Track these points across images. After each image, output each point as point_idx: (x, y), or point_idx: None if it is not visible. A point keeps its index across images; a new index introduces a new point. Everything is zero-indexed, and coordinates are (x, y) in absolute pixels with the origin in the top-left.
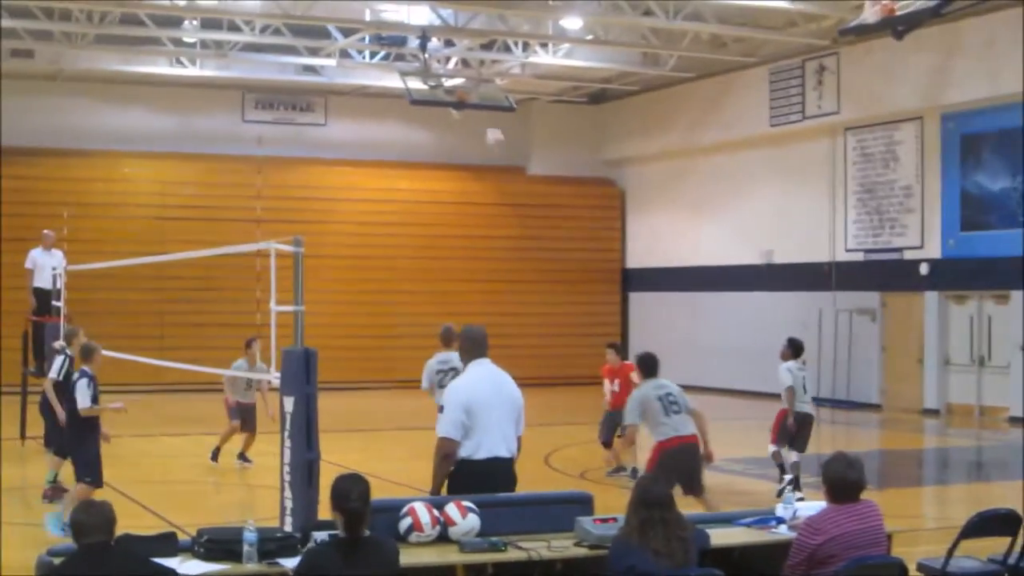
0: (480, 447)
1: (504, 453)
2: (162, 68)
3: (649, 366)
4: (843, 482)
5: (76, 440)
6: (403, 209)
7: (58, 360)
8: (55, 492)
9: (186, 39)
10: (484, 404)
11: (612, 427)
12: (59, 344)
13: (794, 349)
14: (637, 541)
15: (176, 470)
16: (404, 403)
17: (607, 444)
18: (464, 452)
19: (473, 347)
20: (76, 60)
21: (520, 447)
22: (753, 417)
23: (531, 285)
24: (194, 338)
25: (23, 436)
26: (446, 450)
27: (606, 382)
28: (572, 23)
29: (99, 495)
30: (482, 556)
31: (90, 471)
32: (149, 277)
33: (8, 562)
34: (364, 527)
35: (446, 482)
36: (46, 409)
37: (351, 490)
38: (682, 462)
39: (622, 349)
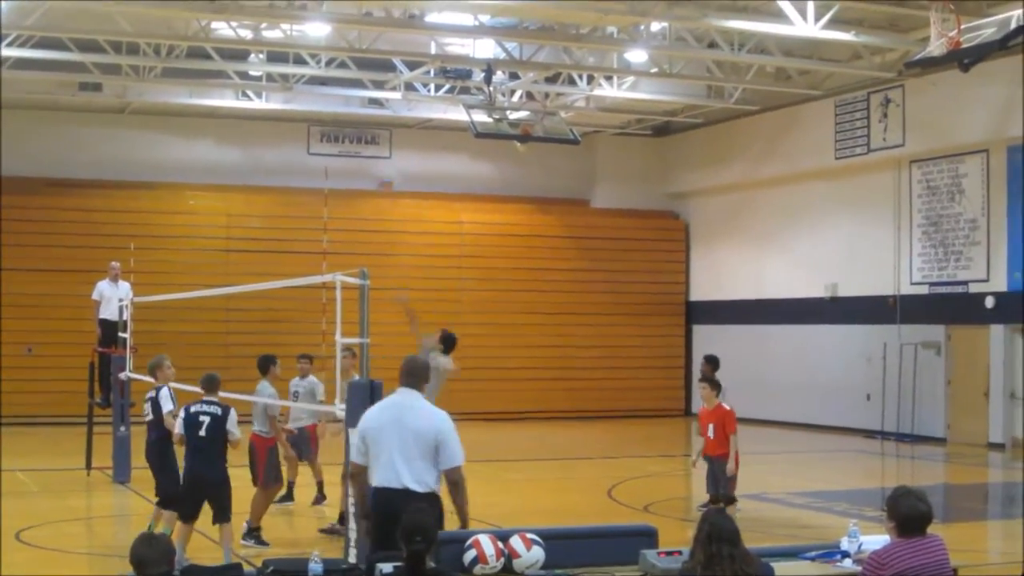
0: (374, 475)
1: (395, 484)
2: (228, 101)
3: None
4: (916, 515)
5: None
6: (468, 241)
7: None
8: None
9: (252, 72)
10: (377, 433)
11: (714, 478)
12: (124, 375)
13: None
14: (702, 575)
15: (239, 501)
16: (465, 435)
17: (715, 499)
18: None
19: (402, 376)
20: (143, 93)
21: (457, 480)
22: (818, 451)
23: (595, 318)
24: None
25: (88, 467)
26: (351, 471)
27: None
28: (637, 56)
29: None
30: None
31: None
32: (215, 309)
33: None
34: (427, 563)
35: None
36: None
37: (415, 529)
38: None
39: (717, 384)
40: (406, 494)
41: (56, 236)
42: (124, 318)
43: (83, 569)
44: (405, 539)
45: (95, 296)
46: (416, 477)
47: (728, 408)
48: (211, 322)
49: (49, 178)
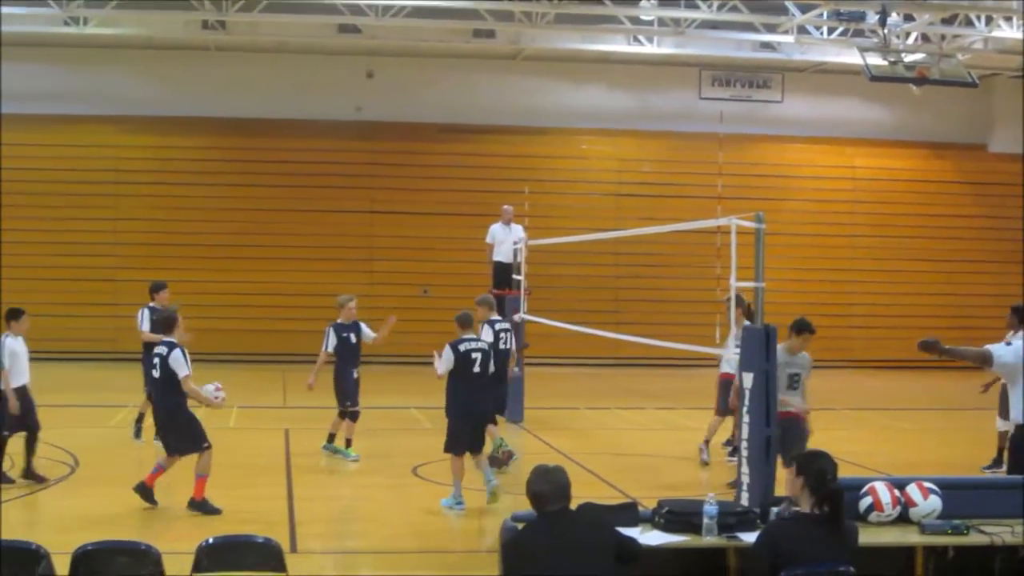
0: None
1: None
2: (620, 46)
3: None
4: None
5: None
6: (860, 187)
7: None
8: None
9: (644, 17)
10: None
11: None
12: (519, 317)
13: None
14: None
15: (631, 443)
16: (858, 383)
17: None
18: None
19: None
20: (535, 39)
21: None
22: None
23: (991, 266)
24: (650, 313)
25: None
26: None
27: None
28: None
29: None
30: (943, 539)
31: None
32: (605, 253)
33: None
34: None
35: None
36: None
37: (829, 469)
38: None
39: None
40: None
41: (450, 180)
42: (518, 260)
43: (476, 504)
44: (818, 481)
45: (488, 240)
46: None
47: None
48: (601, 266)
49: (443, 124)
